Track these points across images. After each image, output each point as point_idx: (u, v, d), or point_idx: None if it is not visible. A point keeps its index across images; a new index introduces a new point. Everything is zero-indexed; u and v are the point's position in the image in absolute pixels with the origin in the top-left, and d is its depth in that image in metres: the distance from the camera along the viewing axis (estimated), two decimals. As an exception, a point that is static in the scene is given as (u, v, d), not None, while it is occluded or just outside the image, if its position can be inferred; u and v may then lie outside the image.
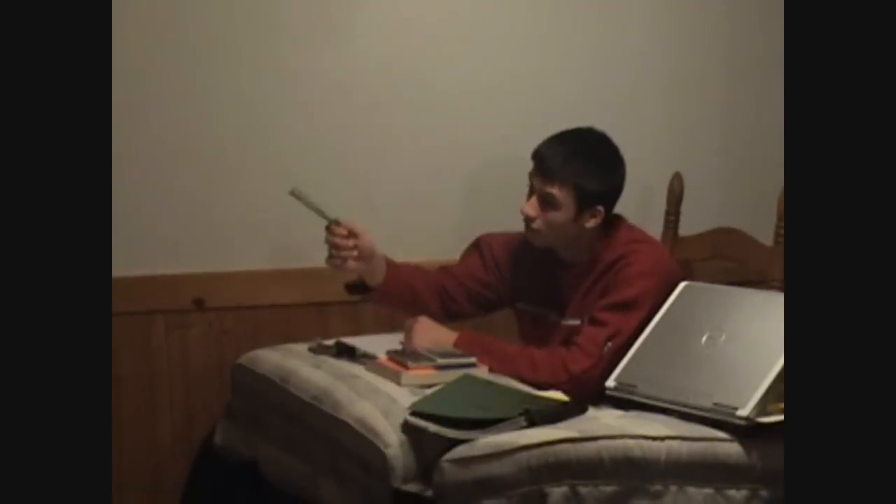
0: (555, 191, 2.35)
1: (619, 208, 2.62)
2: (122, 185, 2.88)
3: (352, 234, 2.43)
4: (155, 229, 3.06)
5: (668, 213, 2.95)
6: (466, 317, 2.68)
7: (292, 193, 2.40)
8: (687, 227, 3.04)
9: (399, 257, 2.76)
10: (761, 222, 2.85)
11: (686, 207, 3.05)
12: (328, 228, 2.44)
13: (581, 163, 2.38)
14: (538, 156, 2.40)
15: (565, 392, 2.22)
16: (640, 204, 3.07)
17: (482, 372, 2.31)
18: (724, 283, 2.53)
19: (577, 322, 2.45)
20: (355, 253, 2.43)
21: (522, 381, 2.30)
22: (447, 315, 2.61)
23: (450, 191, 3.19)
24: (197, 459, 2.73)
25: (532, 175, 2.43)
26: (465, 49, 3.25)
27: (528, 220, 2.41)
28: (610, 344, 2.31)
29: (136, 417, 3.03)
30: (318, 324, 2.92)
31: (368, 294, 2.58)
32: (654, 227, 2.96)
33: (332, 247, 2.43)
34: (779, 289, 2.51)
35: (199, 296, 3.04)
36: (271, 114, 3.12)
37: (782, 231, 2.59)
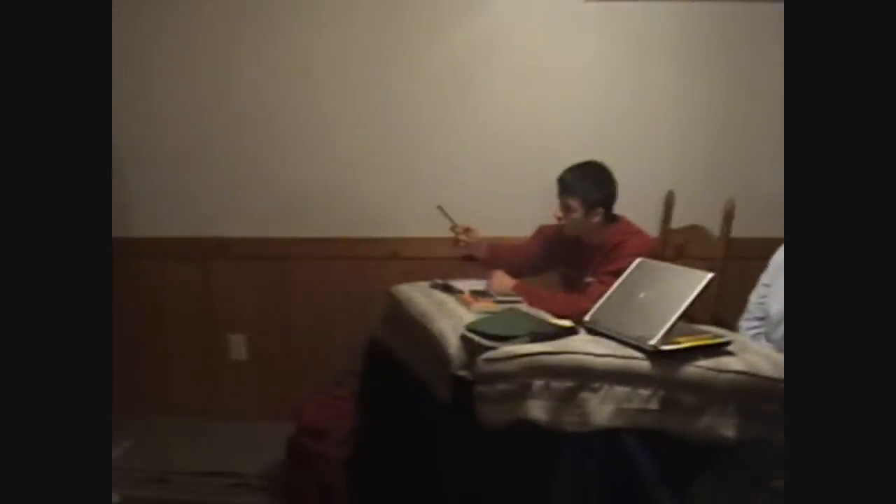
0: (570, 201, 3.08)
1: (643, 211, 3.28)
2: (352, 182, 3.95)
3: (466, 231, 3.33)
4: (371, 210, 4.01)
5: (664, 214, 3.62)
6: (528, 276, 3.33)
7: (439, 207, 3.31)
8: (675, 223, 3.62)
9: (494, 232, 3.54)
10: (715, 222, 3.29)
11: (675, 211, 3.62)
12: (452, 228, 3.33)
13: (584, 182, 3.08)
14: (560, 179, 3.11)
15: (574, 321, 2.66)
16: (657, 207, 3.62)
17: (523, 307, 2.87)
18: (693, 259, 2.98)
19: (591, 279, 3.09)
20: (469, 241, 3.36)
21: (551, 313, 2.79)
22: (516, 274, 3.26)
23: (529, 190, 3.80)
24: (369, 341, 3.32)
25: (558, 192, 3.12)
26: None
27: (558, 220, 3.15)
28: None
29: (355, 314, 3.92)
30: (443, 272, 3.39)
31: (475, 261, 3.39)
32: (654, 221, 3.55)
33: (457, 238, 3.35)
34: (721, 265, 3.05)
35: (395, 249, 4.03)
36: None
37: (727, 228, 3.18)
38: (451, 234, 3.44)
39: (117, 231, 3.43)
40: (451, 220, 3.36)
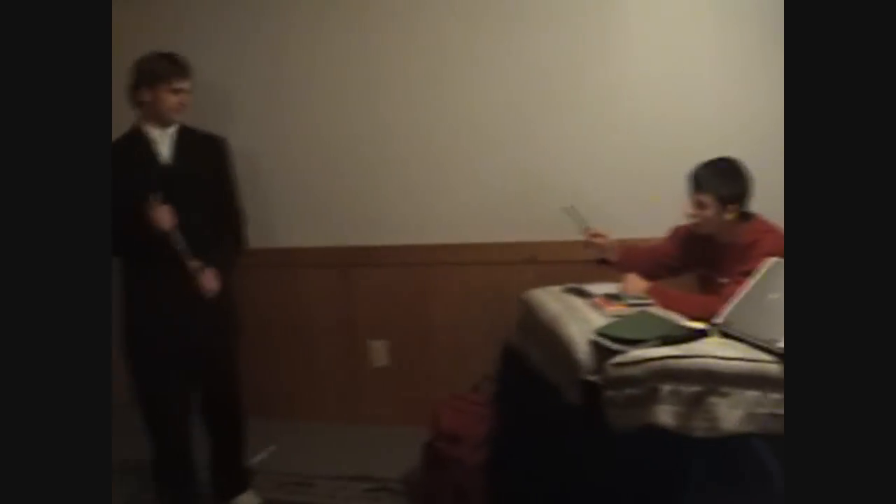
0: (703, 197, 2.99)
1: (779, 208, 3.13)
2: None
3: (598, 234, 3.32)
4: (507, 215, 4.04)
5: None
6: (663, 278, 3.28)
7: (565, 209, 3.32)
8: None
9: (628, 234, 3.50)
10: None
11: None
12: (583, 230, 3.33)
13: (718, 178, 2.98)
14: (692, 175, 3.03)
15: (708, 323, 2.62)
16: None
17: (655, 309, 2.84)
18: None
19: (726, 280, 2.98)
20: (602, 243, 3.35)
21: (685, 315, 2.75)
22: (651, 276, 3.21)
23: (663, 191, 3.60)
24: (504, 347, 3.38)
25: (689, 188, 3.04)
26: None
27: (691, 217, 3.06)
28: None
29: (493, 320, 3.88)
30: (580, 275, 3.37)
31: (609, 265, 3.37)
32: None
33: (588, 241, 3.36)
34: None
35: (533, 254, 4.02)
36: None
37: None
38: (584, 237, 3.42)
39: (259, 242, 3.59)
40: (580, 220, 3.34)
